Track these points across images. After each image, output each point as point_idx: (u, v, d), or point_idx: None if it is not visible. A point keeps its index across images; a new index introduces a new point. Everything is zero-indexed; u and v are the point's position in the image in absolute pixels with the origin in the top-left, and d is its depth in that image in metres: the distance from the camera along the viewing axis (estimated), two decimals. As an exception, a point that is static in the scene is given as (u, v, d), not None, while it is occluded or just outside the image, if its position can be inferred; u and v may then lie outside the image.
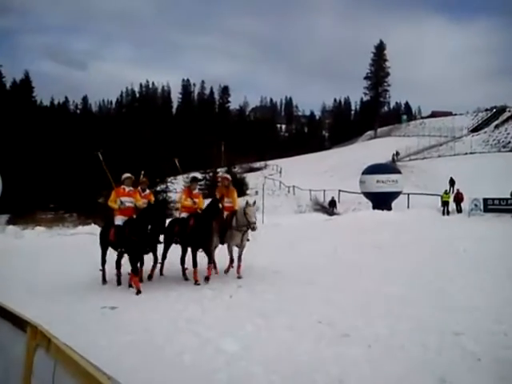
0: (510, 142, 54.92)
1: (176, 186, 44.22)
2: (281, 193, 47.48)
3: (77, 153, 49.90)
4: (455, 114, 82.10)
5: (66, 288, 8.84)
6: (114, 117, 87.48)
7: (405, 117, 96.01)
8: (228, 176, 11.32)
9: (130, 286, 8.72)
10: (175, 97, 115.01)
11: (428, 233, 17.97)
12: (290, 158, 77.31)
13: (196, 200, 9.74)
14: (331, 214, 31.84)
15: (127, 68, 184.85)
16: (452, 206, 28.02)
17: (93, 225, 21.64)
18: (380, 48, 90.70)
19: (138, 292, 8.28)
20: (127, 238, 8.49)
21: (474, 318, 6.31)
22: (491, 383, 4.28)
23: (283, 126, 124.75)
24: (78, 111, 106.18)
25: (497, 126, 62.26)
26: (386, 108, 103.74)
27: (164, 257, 9.98)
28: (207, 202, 9.72)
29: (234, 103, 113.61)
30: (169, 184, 41.42)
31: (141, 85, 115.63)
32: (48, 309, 7.05)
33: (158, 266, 9.91)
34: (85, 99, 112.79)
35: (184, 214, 9.70)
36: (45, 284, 9.21)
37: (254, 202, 9.79)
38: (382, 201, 29.98)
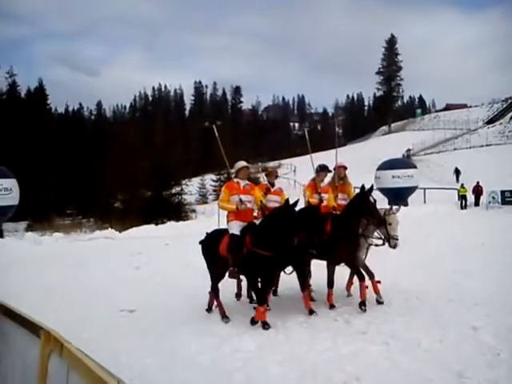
0: (526, 133, 54.05)
1: (191, 189, 44.59)
2: (296, 192, 47.31)
3: (92, 158, 50.69)
4: (470, 106, 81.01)
5: (84, 292, 8.90)
6: (129, 121, 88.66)
7: (419, 111, 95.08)
8: (345, 164, 8.07)
9: (254, 322, 6.24)
10: (188, 99, 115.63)
11: (446, 227, 17.77)
12: (304, 156, 76.96)
13: (325, 195, 7.47)
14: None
15: (139, 72, 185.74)
16: (471, 199, 27.67)
17: (110, 229, 21.86)
18: (391, 42, 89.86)
19: (266, 325, 6.09)
20: (251, 252, 6.11)
21: (492, 312, 6.25)
22: (511, 378, 4.24)
23: (296, 125, 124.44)
24: (93, 117, 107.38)
25: (512, 117, 61.26)
26: (399, 102, 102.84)
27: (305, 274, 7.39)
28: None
29: (246, 103, 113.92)
30: (183, 186, 41.64)
31: (153, 88, 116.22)
32: (67, 313, 7.14)
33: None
34: (99, 105, 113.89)
35: None
36: (63, 289, 9.29)
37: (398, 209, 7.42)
38: (397, 196, 29.68)
